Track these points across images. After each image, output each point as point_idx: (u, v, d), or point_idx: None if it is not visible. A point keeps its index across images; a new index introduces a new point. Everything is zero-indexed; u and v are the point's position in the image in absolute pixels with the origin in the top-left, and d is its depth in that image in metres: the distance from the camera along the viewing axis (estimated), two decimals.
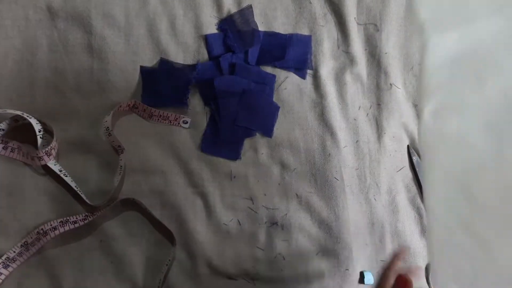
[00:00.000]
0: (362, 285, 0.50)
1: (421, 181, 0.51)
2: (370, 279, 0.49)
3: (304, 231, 0.50)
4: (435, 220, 0.28)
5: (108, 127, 0.47)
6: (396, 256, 0.44)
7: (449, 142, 0.29)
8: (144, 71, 0.50)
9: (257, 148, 0.51)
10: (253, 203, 0.49)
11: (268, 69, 0.52)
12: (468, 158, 0.28)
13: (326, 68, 0.54)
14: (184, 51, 0.51)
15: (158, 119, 0.49)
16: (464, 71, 0.28)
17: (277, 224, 0.49)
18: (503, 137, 0.27)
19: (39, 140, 0.45)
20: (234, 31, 0.52)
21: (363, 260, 0.50)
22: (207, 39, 0.52)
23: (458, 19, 0.28)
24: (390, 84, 0.55)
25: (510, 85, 0.27)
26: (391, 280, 0.41)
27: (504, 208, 0.27)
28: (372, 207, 0.52)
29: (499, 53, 0.27)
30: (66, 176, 0.46)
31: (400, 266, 0.43)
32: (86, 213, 0.46)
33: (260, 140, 0.51)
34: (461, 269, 0.27)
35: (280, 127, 0.51)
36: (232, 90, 0.51)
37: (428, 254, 0.30)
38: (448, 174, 0.28)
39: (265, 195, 0.50)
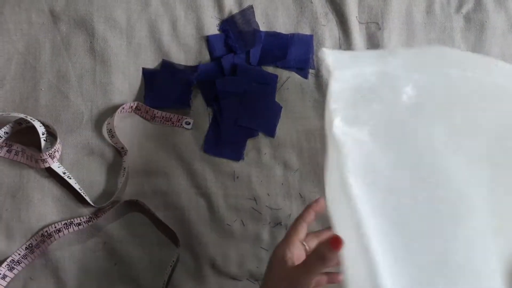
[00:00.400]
0: None
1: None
2: None
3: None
4: (335, 217, 0.34)
5: (111, 129, 0.47)
6: (309, 207, 0.41)
7: (354, 142, 0.37)
8: (146, 72, 0.50)
9: (260, 148, 0.51)
10: (256, 204, 0.49)
11: (270, 69, 0.52)
12: (361, 158, 0.37)
13: None
14: (186, 52, 0.51)
15: (161, 121, 0.49)
16: (356, 95, 0.40)
17: (281, 224, 0.49)
18: (387, 142, 0.38)
19: (43, 143, 0.45)
20: (236, 31, 0.52)
21: None
22: (208, 40, 0.52)
23: (352, 63, 0.41)
24: None
25: (385, 107, 0.39)
26: (300, 231, 0.39)
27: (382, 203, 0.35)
28: None
29: (378, 85, 0.40)
30: (70, 178, 0.46)
31: (311, 219, 0.40)
32: (90, 215, 0.46)
33: (262, 140, 0.51)
34: None
35: (282, 127, 0.51)
36: (234, 91, 0.51)
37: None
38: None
39: (268, 195, 0.50)
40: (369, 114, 0.39)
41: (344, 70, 0.40)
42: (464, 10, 0.56)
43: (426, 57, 0.43)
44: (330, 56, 0.41)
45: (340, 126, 0.38)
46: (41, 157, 0.44)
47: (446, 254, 0.35)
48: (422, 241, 0.35)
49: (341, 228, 0.33)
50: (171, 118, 0.49)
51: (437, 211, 0.37)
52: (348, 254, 0.32)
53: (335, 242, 0.31)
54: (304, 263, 0.35)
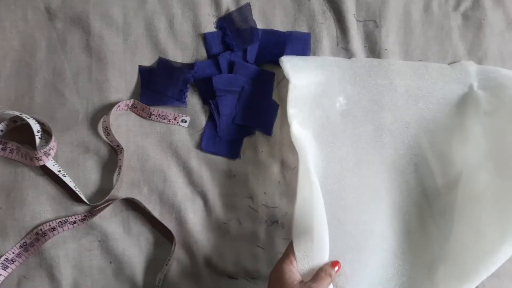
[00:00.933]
0: None
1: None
2: None
3: None
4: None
5: (107, 127, 0.47)
6: None
7: (308, 141, 0.48)
8: (142, 70, 0.50)
9: (256, 146, 0.50)
10: (253, 202, 0.49)
11: (267, 67, 0.52)
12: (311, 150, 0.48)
13: None
14: (183, 50, 0.51)
15: (157, 118, 0.49)
16: (306, 104, 0.50)
17: (278, 223, 0.49)
18: (323, 142, 0.50)
19: (38, 141, 0.45)
20: (233, 29, 0.52)
21: None
22: (205, 38, 0.51)
23: (305, 71, 0.51)
24: None
25: (324, 112, 0.50)
26: None
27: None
28: None
29: (321, 95, 0.51)
30: (65, 176, 0.45)
31: None
32: (85, 213, 0.45)
33: (259, 139, 0.51)
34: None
35: (279, 125, 0.51)
36: (231, 89, 0.50)
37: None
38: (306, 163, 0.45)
39: (265, 193, 0.49)
40: (313, 119, 0.50)
41: (299, 79, 0.50)
42: (462, 8, 0.56)
43: (359, 70, 0.53)
44: (287, 64, 0.50)
45: (297, 128, 0.48)
46: (35, 155, 0.44)
47: (366, 224, 0.47)
48: (350, 216, 0.48)
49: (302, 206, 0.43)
50: (168, 116, 0.49)
51: (360, 194, 0.49)
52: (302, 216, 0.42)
53: (337, 264, 0.42)
54: (315, 278, 0.40)
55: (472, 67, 0.53)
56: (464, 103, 0.52)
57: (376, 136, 0.51)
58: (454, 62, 0.55)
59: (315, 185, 0.44)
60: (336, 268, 0.42)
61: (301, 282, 0.39)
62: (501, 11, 0.58)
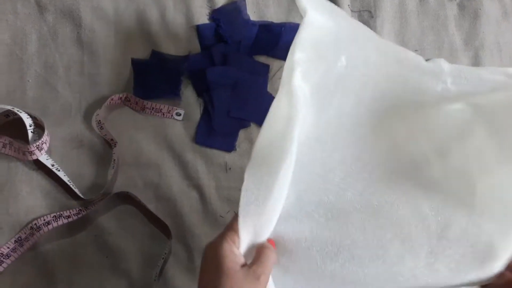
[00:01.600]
0: None
1: None
2: None
3: None
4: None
5: (100, 121, 0.47)
6: None
7: (304, 96, 0.37)
8: (135, 63, 0.49)
9: (252, 139, 0.50)
10: None
11: (262, 59, 0.52)
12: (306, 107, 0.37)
13: None
14: (176, 42, 0.50)
15: (151, 112, 0.49)
16: (315, 50, 0.39)
17: None
18: (313, 103, 0.38)
19: (30, 135, 0.44)
20: (226, 21, 0.51)
21: None
22: (198, 30, 0.51)
23: (323, 9, 0.40)
24: None
25: (325, 68, 0.40)
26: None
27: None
28: None
29: (328, 44, 0.40)
30: (59, 171, 0.45)
31: None
32: (80, 208, 0.45)
33: (255, 131, 0.50)
34: None
35: None
36: (225, 81, 0.50)
37: None
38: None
39: None
40: (314, 72, 0.39)
41: (316, 13, 0.39)
42: None
43: (361, 34, 0.45)
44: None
45: (299, 78, 0.37)
46: (28, 149, 0.44)
47: (341, 187, 0.39)
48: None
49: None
50: (162, 109, 0.49)
51: (345, 157, 0.41)
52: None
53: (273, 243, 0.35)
54: (259, 260, 0.32)
55: (445, 64, 0.49)
56: (438, 97, 0.46)
57: (355, 111, 0.43)
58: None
59: (291, 157, 0.34)
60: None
61: (244, 265, 0.31)
62: (497, 0, 0.58)
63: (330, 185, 0.40)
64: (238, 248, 0.32)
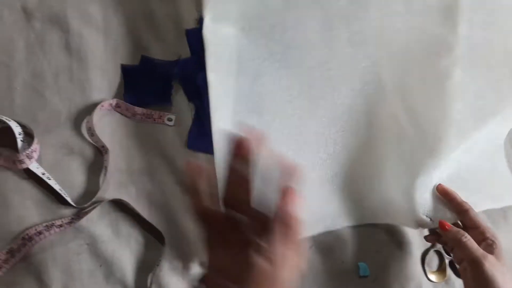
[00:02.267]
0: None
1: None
2: (365, 270, 0.49)
3: None
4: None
5: (90, 127, 0.46)
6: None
7: (222, 38, 0.43)
8: (125, 69, 0.49)
9: None
10: None
11: None
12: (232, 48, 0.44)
13: None
14: (165, 47, 0.50)
15: (142, 118, 0.48)
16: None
17: None
18: (257, 35, 0.44)
19: (20, 143, 0.44)
20: None
21: (359, 252, 0.50)
22: (188, 34, 0.51)
23: None
24: None
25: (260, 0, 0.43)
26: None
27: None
28: None
29: None
30: (50, 179, 0.45)
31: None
32: (72, 216, 0.45)
33: None
34: None
35: None
36: None
37: None
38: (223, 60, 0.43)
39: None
40: (242, 9, 0.43)
41: None
42: None
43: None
44: None
45: (210, 25, 0.42)
46: (18, 158, 0.43)
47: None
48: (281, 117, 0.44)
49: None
50: (153, 115, 0.48)
51: (297, 96, 0.44)
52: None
53: None
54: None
55: None
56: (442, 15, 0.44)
57: (326, 25, 0.44)
58: None
59: (211, 92, 0.41)
60: None
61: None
62: None
63: None
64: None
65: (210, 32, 0.43)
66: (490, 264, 0.39)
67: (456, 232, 0.42)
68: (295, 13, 0.44)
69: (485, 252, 0.40)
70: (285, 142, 0.45)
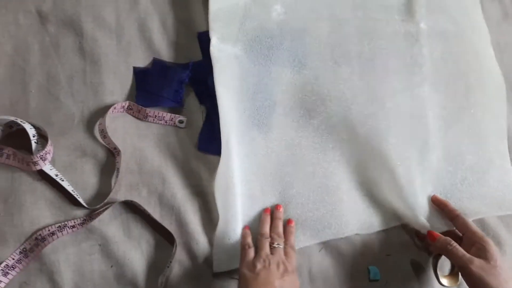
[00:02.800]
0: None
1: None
2: (376, 273, 0.49)
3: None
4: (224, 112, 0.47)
5: (103, 130, 0.47)
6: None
7: (227, 57, 0.48)
8: (137, 71, 0.50)
9: None
10: None
11: None
12: (235, 70, 0.49)
13: None
14: (177, 50, 0.51)
15: (154, 120, 0.49)
16: (231, 15, 0.49)
17: None
18: (257, 55, 0.50)
19: (34, 145, 0.44)
20: None
21: (369, 255, 0.49)
22: (199, 37, 0.51)
23: None
24: None
25: (258, 24, 0.50)
26: None
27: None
28: None
29: (251, 4, 0.50)
30: (63, 181, 0.45)
31: None
32: (84, 217, 0.45)
33: None
34: None
35: None
36: None
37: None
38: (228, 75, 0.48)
39: None
40: (243, 32, 0.49)
41: None
42: None
43: None
44: None
45: (216, 44, 0.48)
46: (32, 159, 0.44)
47: (293, 139, 0.49)
48: (277, 132, 0.49)
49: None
50: (164, 117, 0.49)
51: (291, 109, 0.49)
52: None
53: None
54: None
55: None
56: (405, 8, 0.52)
57: (314, 48, 0.50)
58: None
59: (220, 102, 0.46)
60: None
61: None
62: (497, 2, 0.58)
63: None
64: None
65: (217, 50, 0.48)
66: (478, 267, 0.41)
67: (443, 241, 0.44)
68: (291, 37, 0.50)
69: (471, 257, 0.42)
70: (285, 152, 0.48)
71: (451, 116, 0.51)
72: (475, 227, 0.44)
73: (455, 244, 0.44)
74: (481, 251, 0.42)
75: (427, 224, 0.47)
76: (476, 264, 0.41)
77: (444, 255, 0.45)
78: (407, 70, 0.51)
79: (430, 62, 0.52)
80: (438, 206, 0.48)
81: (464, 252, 0.43)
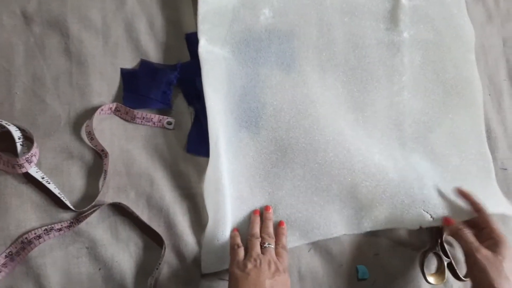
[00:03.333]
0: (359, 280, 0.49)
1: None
2: (365, 273, 0.49)
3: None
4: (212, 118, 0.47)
5: (90, 131, 0.46)
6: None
7: (215, 58, 0.49)
8: (124, 73, 0.49)
9: None
10: None
11: None
12: (223, 72, 0.49)
13: None
14: (165, 51, 0.50)
15: (142, 121, 0.49)
16: (220, 17, 0.50)
17: None
18: (245, 58, 0.50)
19: (19, 147, 0.44)
20: None
21: (358, 254, 0.50)
22: (187, 38, 0.51)
23: None
24: None
25: (245, 27, 0.50)
26: None
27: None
28: None
29: (240, 7, 0.50)
30: (49, 183, 0.45)
31: None
32: (71, 220, 0.45)
33: None
34: None
35: None
36: None
37: None
38: (216, 77, 0.49)
39: None
40: (231, 34, 0.50)
41: None
42: None
43: None
44: None
45: (205, 46, 0.48)
46: (17, 162, 0.43)
47: (282, 140, 0.49)
48: (265, 134, 0.49)
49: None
50: (152, 118, 0.49)
51: (279, 111, 0.49)
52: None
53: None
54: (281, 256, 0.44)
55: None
56: (391, 16, 0.54)
57: (302, 52, 0.51)
58: None
59: (209, 103, 0.47)
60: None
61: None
62: (481, 5, 0.59)
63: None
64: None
65: (206, 51, 0.48)
66: (483, 257, 0.42)
67: (456, 225, 0.46)
68: (279, 40, 0.50)
69: (480, 246, 0.43)
70: (274, 153, 0.49)
71: (432, 121, 0.53)
72: (495, 223, 0.45)
73: (467, 230, 0.45)
74: (493, 245, 0.43)
75: (427, 215, 0.49)
76: (483, 253, 0.43)
77: (455, 238, 0.47)
78: (388, 79, 0.53)
79: (410, 71, 0.54)
80: (464, 197, 0.49)
81: (475, 239, 0.44)
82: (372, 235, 0.51)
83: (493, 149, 0.55)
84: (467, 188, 0.49)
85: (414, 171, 0.51)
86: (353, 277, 0.49)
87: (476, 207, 0.47)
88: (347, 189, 0.49)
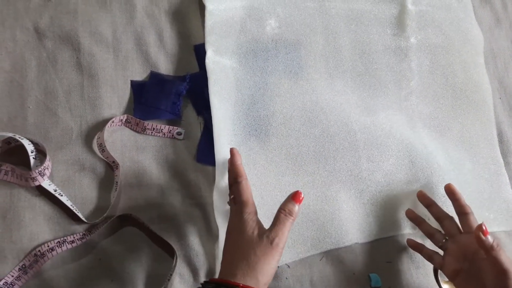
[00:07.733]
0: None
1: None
2: (377, 281, 0.48)
3: None
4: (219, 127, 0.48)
5: (101, 143, 0.47)
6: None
7: (222, 69, 0.49)
8: (134, 85, 0.50)
9: None
10: None
11: None
12: (231, 78, 0.50)
13: None
14: (174, 62, 0.51)
15: (152, 132, 0.49)
16: (227, 28, 0.51)
17: None
18: (253, 68, 0.51)
19: (32, 161, 0.44)
20: None
21: (370, 262, 0.49)
22: (196, 50, 0.51)
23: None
24: None
25: (252, 38, 0.51)
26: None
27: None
28: None
29: (246, 18, 0.51)
30: (61, 196, 0.45)
31: None
32: (84, 232, 0.45)
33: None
34: None
35: None
36: None
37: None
38: (223, 85, 0.49)
39: None
40: (238, 45, 0.51)
41: (216, 3, 0.50)
42: None
43: None
44: None
45: (212, 57, 0.49)
46: (30, 175, 0.44)
47: (292, 148, 0.49)
48: (275, 142, 0.49)
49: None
50: (162, 129, 0.49)
51: (289, 119, 0.49)
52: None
53: (297, 198, 0.39)
54: (274, 223, 0.38)
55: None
56: (398, 22, 0.54)
57: (309, 61, 0.52)
58: None
59: (214, 113, 0.47)
60: (297, 205, 0.39)
61: (260, 231, 0.38)
62: (489, 8, 0.58)
63: None
64: (254, 215, 0.39)
65: (213, 62, 0.49)
66: None
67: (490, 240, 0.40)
68: (286, 49, 0.51)
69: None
70: (285, 161, 0.49)
71: (442, 126, 0.53)
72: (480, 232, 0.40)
73: (501, 247, 0.40)
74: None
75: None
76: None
77: (486, 254, 0.40)
78: (396, 85, 0.53)
79: (418, 76, 0.54)
80: (450, 196, 0.46)
81: (510, 260, 0.39)
82: (384, 242, 0.50)
83: (505, 153, 0.55)
84: (479, 193, 0.48)
85: (424, 176, 0.50)
86: (366, 286, 0.49)
87: (464, 210, 0.44)
88: (358, 196, 0.49)
